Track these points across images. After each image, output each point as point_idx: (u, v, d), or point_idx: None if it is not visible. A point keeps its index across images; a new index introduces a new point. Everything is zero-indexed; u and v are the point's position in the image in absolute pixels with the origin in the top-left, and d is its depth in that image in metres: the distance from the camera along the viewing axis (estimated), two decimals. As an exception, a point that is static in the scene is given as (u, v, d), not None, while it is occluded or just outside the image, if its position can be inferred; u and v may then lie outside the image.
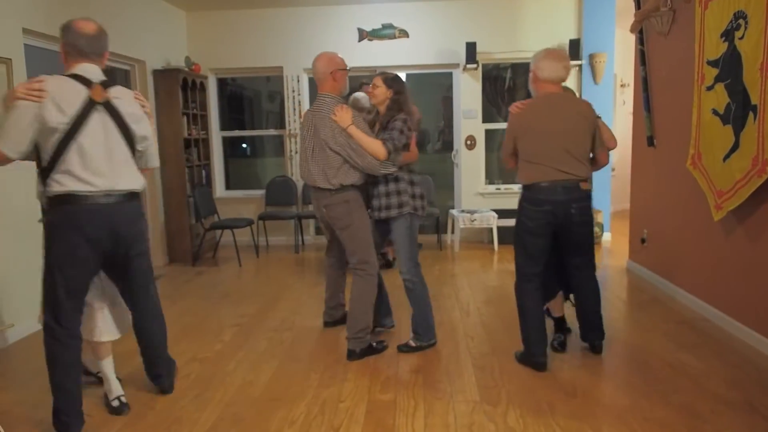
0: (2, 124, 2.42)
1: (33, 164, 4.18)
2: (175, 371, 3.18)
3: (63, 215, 2.50)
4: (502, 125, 7.45)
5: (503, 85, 7.51)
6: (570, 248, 3.33)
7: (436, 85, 7.70)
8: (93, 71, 2.60)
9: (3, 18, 3.96)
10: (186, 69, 6.49)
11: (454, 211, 6.93)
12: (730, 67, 3.54)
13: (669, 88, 4.59)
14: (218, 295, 5.03)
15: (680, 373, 3.14)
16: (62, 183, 2.47)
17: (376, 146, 3.30)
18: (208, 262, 6.44)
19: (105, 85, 2.60)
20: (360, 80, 5.49)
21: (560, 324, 3.64)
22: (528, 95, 3.50)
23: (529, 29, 6.83)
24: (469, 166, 7.15)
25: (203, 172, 6.98)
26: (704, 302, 4.08)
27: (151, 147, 2.80)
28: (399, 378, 3.20)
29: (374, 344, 3.57)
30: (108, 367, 2.88)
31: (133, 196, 2.68)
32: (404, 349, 3.58)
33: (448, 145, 7.57)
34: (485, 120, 7.18)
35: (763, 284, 3.40)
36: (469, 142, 7.09)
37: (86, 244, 2.51)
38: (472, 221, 6.59)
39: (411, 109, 3.48)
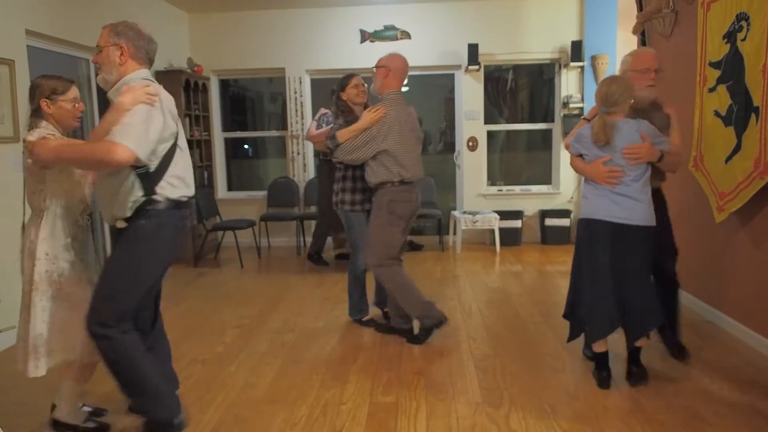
0: (127, 125, 2.27)
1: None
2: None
3: (176, 218, 2.51)
4: (504, 126, 7.47)
5: (505, 86, 7.51)
6: None
7: (438, 87, 7.71)
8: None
9: (6, 19, 3.97)
10: (188, 70, 6.50)
11: (455, 213, 6.92)
12: (732, 69, 3.53)
13: (671, 90, 4.58)
14: (220, 297, 5.03)
15: (683, 375, 3.13)
16: (176, 186, 2.49)
17: None
18: (209, 263, 6.45)
19: None
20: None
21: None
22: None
23: (531, 31, 6.83)
24: (471, 167, 7.15)
25: (205, 173, 6.99)
26: (707, 304, 4.07)
27: None
28: (401, 380, 3.20)
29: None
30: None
31: None
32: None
33: (449, 147, 7.57)
34: (487, 121, 7.17)
35: (766, 286, 3.39)
36: (470, 144, 7.09)
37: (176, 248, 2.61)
38: (474, 222, 6.58)
39: None
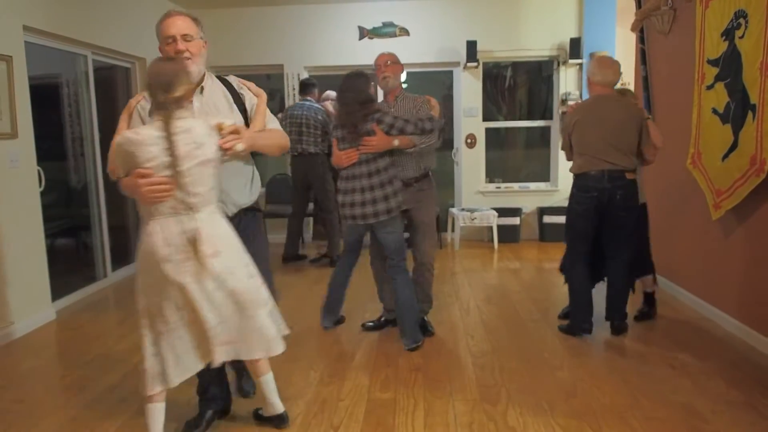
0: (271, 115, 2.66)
1: (33, 161, 4.21)
2: None
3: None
4: (503, 124, 7.46)
5: (504, 83, 7.50)
6: (610, 232, 3.66)
7: (437, 84, 7.69)
8: None
9: (3, 15, 3.95)
10: (186, 67, 6.47)
11: (454, 210, 6.93)
12: (730, 66, 3.53)
13: (669, 87, 4.59)
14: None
15: (680, 372, 3.14)
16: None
17: None
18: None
19: None
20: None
21: (648, 298, 4.07)
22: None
23: (530, 28, 6.82)
24: (470, 164, 7.15)
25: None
26: (704, 301, 4.08)
27: None
28: (398, 376, 3.21)
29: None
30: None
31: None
32: None
33: (448, 144, 7.56)
34: (486, 118, 7.17)
35: (762, 283, 3.40)
36: (469, 141, 7.09)
37: None
38: (473, 220, 6.59)
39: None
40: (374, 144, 3.42)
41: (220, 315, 2.29)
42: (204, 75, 2.55)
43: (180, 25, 2.39)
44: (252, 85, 2.66)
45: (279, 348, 2.50)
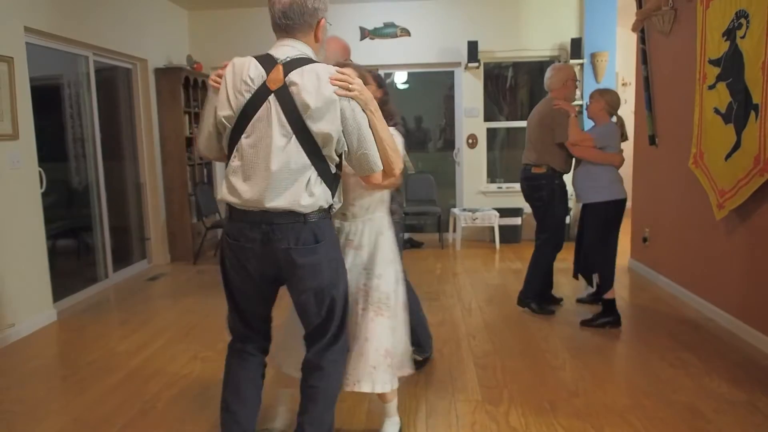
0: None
1: (34, 163, 4.21)
2: None
3: (228, 229, 2.06)
4: (504, 124, 7.46)
5: (505, 83, 7.50)
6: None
7: (438, 84, 7.69)
8: (285, 50, 2.08)
9: (5, 16, 3.96)
10: (188, 68, 6.48)
11: (455, 210, 6.92)
12: (731, 66, 3.53)
13: (671, 87, 4.58)
14: (220, 294, 4.98)
15: (682, 372, 3.14)
16: (222, 189, 2.01)
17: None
18: (209, 260, 6.44)
19: (291, 66, 2.00)
20: None
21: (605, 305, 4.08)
22: (530, 93, 3.84)
23: (531, 28, 6.83)
24: (471, 164, 7.15)
25: (205, 170, 6.99)
26: (706, 301, 4.08)
27: (359, 148, 1.99)
28: (400, 377, 3.19)
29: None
30: None
31: (295, 216, 1.96)
32: None
33: (449, 144, 7.56)
34: (487, 119, 7.17)
35: (765, 283, 3.39)
36: (470, 141, 7.09)
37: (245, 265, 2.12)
38: (474, 220, 6.58)
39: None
40: None
41: None
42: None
43: None
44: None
45: None
